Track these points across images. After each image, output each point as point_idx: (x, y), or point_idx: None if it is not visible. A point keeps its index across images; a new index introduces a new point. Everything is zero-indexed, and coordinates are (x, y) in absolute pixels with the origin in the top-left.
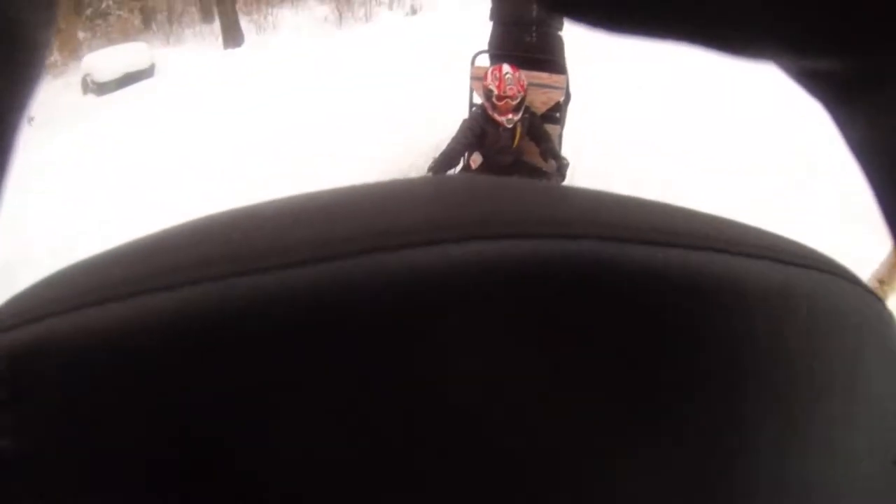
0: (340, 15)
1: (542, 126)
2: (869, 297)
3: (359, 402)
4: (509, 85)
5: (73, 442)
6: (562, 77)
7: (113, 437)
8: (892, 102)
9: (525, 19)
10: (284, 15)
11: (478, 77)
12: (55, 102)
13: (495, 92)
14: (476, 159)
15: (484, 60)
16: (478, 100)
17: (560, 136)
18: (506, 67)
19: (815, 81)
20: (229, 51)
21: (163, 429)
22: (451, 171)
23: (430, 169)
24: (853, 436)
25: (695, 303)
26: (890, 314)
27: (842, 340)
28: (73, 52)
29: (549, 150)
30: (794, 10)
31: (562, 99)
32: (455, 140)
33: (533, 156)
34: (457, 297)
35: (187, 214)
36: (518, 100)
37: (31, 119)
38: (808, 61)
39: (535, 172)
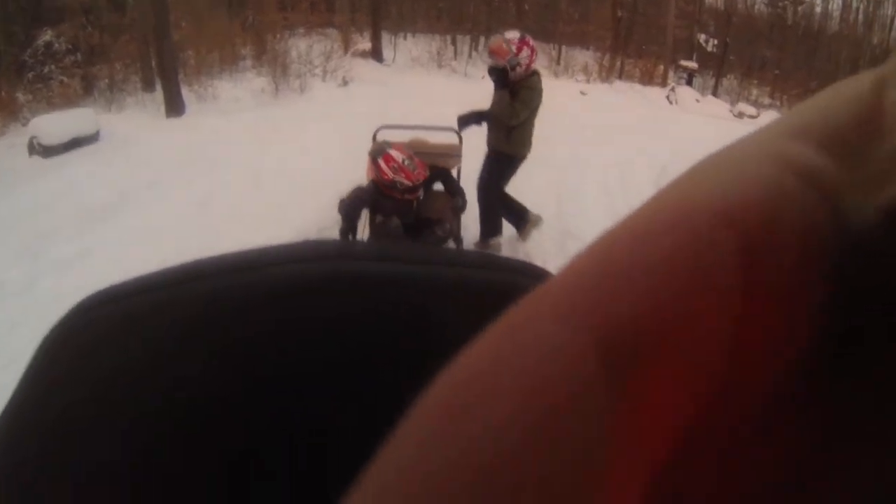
0: (277, 86)
1: (440, 171)
2: None
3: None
4: (414, 171)
5: None
6: (457, 145)
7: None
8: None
9: None
10: (224, 86)
11: (376, 152)
12: (1, 163)
13: (406, 184)
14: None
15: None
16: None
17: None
18: (398, 155)
19: None
20: (171, 119)
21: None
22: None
23: (340, 232)
24: None
25: (428, 298)
26: None
27: None
28: (14, 114)
29: (453, 188)
30: None
31: (460, 164)
32: (346, 209)
33: (430, 210)
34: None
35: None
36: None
37: None
38: None
39: (436, 224)
